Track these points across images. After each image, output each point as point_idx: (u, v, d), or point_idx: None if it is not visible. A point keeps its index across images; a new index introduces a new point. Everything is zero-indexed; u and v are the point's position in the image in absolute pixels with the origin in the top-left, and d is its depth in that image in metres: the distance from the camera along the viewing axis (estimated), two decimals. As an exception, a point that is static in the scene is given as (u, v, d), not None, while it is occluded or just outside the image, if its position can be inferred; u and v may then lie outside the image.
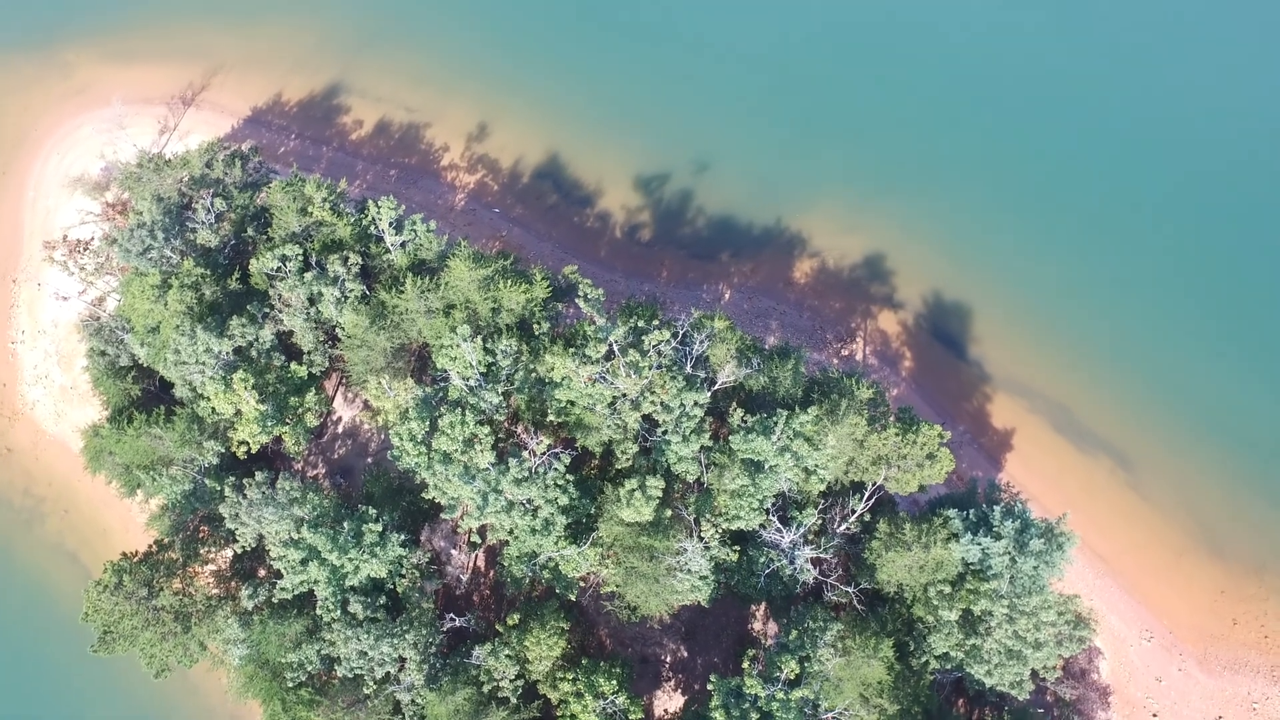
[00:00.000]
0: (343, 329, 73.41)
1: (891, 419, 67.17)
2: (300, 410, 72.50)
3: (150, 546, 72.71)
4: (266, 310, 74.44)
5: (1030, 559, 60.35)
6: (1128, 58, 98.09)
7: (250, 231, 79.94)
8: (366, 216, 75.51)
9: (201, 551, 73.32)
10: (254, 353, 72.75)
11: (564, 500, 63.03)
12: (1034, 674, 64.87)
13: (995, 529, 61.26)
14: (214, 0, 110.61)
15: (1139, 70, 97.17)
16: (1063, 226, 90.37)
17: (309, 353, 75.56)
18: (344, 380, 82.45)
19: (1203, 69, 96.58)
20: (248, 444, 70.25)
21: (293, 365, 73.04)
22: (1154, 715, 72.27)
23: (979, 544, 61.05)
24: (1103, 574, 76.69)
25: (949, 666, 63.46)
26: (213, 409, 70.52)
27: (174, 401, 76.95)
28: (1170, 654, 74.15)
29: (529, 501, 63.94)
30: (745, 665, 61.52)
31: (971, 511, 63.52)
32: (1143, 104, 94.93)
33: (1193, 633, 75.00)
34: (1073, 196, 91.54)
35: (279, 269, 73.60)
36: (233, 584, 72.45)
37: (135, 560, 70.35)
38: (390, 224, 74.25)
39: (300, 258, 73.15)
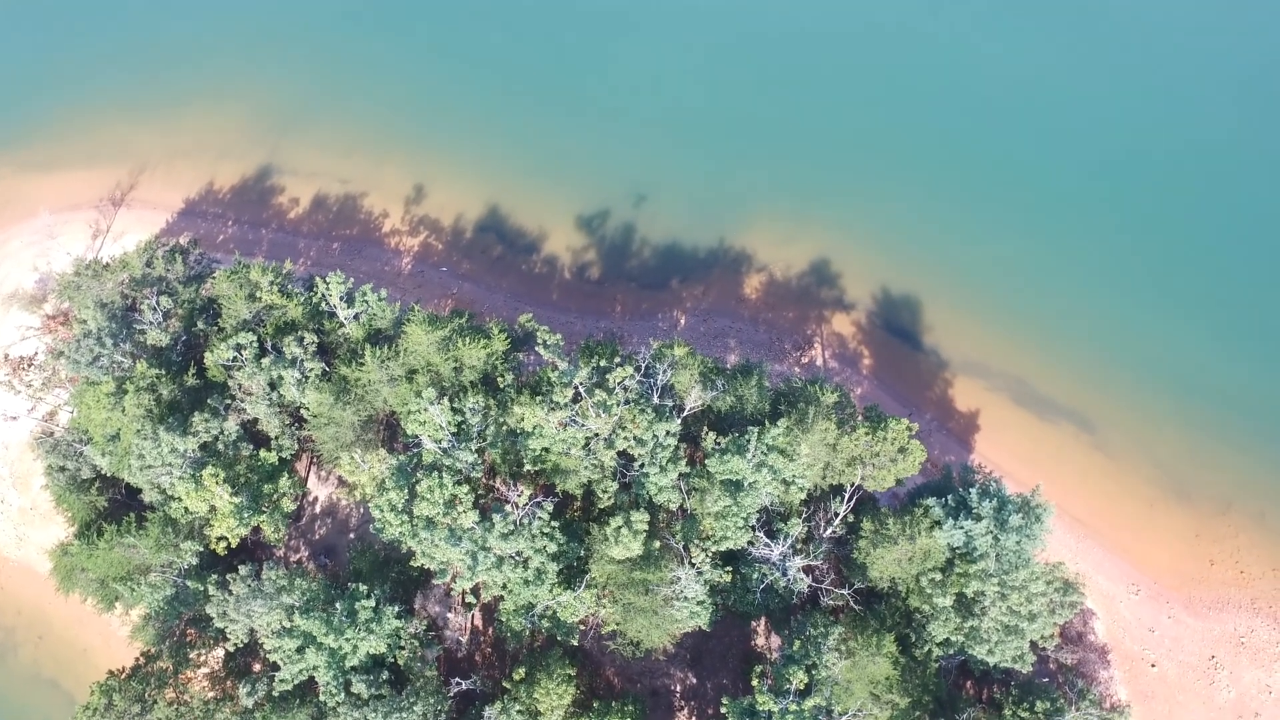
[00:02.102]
0: (307, 409, 73.04)
1: (859, 419, 68.77)
2: (275, 497, 71.75)
3: (137, 659, 70.88)
4: (228, 401, 73.80)
5: (1012, 535, 61.95)
6: (1034, 44, 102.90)
7: (200, 325, 79.35)
8: (316, 294, 75.62)
9: (192, 656, 71.68)
10: (221, 446, 71.97)
11: (552, 548, 63.22)
12: (1034, 645, 66.35)
13: (974, 511, 62.82)
14: (130, 98, 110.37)
15: (1045, 55, 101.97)
16: (992, 207, 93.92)
17: (276, 438, 74.95)
18: (315, 460, 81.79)
19: (1106, 46, 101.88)
20: (227, 539, 69.26)
21: (262, 453, 72.39)
22: (1153, 665, 74.19)
23: (961, 528, 62.52)
24: (1083, 537, 78.82)
25: (951, 651, 64.53)
26: (185, 509, 69.48)
27: (144, 507, 75.57)
28: (1158, 603, 76.35)
29: (518, 554, 64.00)
30: (755, 682, 61.98)
31: (950, 497, 65.01)
32: (1054, 84, 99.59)
33: (1175, 579, 77.34)
34: (997, 177, 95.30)
35: (235, 358, 73.14)
36: (229, 683, 70.90)
37: (123, 677, 68.50)
38: (341, 298, 74.40)
39: (255, 344, 72.79)
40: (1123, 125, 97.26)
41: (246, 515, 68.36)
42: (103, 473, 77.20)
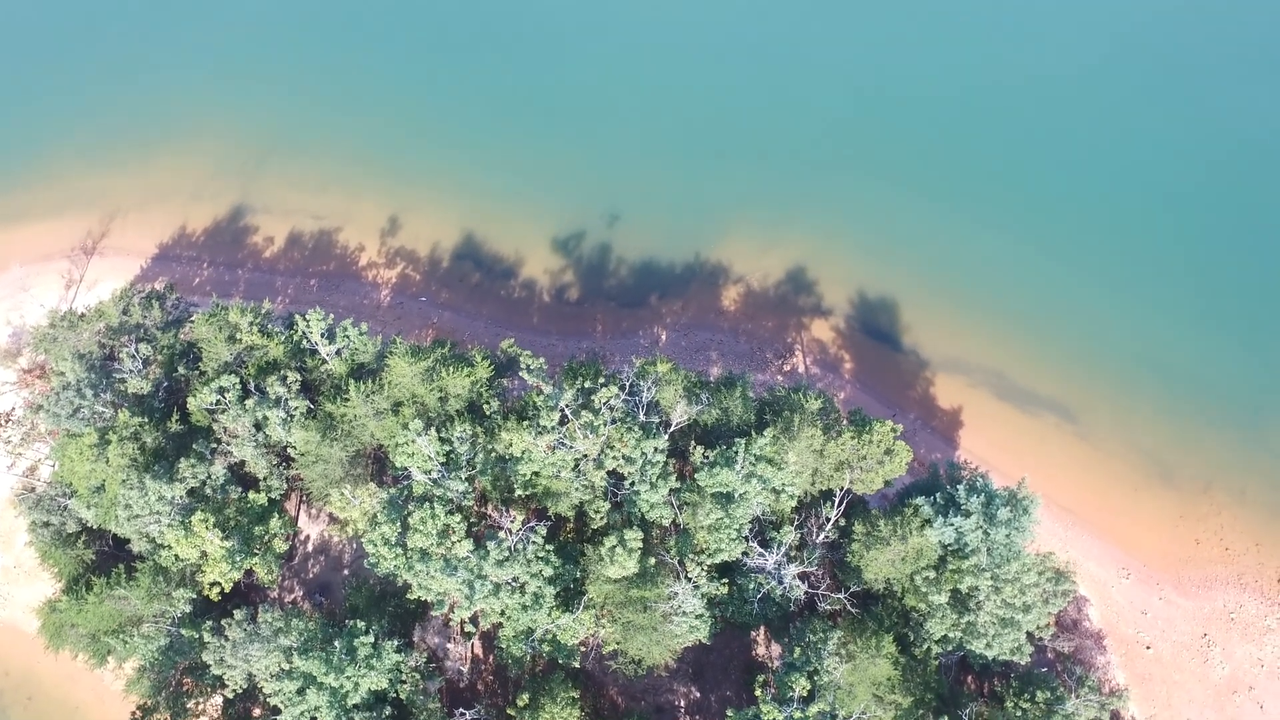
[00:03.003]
0: (294, 448, 72.78)
1: (844, 423, 69.52)
2: (267, 538, 71.35)
3: (134, 713, 69.98)
4: (213, 445, 73.41)
5: (1001, 528, 62.78)
6: (994, 45, 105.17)
7: (181, 370, 78.92)
8: (296, 332, 75.54)
9: (190, 705, 70.91)
10: (209, 490, 71.52)
11: (548, 571, 63.29)
12: (1030, 636, 67.00)
13: (963, 507, 63.62)
14: (97, 145, 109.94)
15: (1006, 55, 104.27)
16: (962, 206, 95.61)
17: (265, 478, 74.59)
18: (305, 498, 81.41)
19: (1065, 43, 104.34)
20: (220, 584, 68.68)
21: (250, 494, 71.98)
22: (1148, 647, 75.18)
23: (951, 524, 63.29)
24: (1071, 525, 79.91)
25: (950, 648, 65.13)
26: (176, 556, 68.81)
27: (133, 557, 74.79)
28: (1149, 586, 77.46)
29: (515, 580, 64.01)
30: (758, 693, 62.22)
31: (938, 495, 65.84)
32: (1016, 83, 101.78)
33: (1164, 561, 78.55)
34: (965, 177, 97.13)
35: (218, 402, 72.83)
36: (229, 730, 70.24)
37: (122, 730, 67.65)
38: (322, 334, 74.37)
39: (238, 386, 72.54)
40: (1085, 120, 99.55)
41: (239, 559, 67.90)
42: (88, 525, 76.39)
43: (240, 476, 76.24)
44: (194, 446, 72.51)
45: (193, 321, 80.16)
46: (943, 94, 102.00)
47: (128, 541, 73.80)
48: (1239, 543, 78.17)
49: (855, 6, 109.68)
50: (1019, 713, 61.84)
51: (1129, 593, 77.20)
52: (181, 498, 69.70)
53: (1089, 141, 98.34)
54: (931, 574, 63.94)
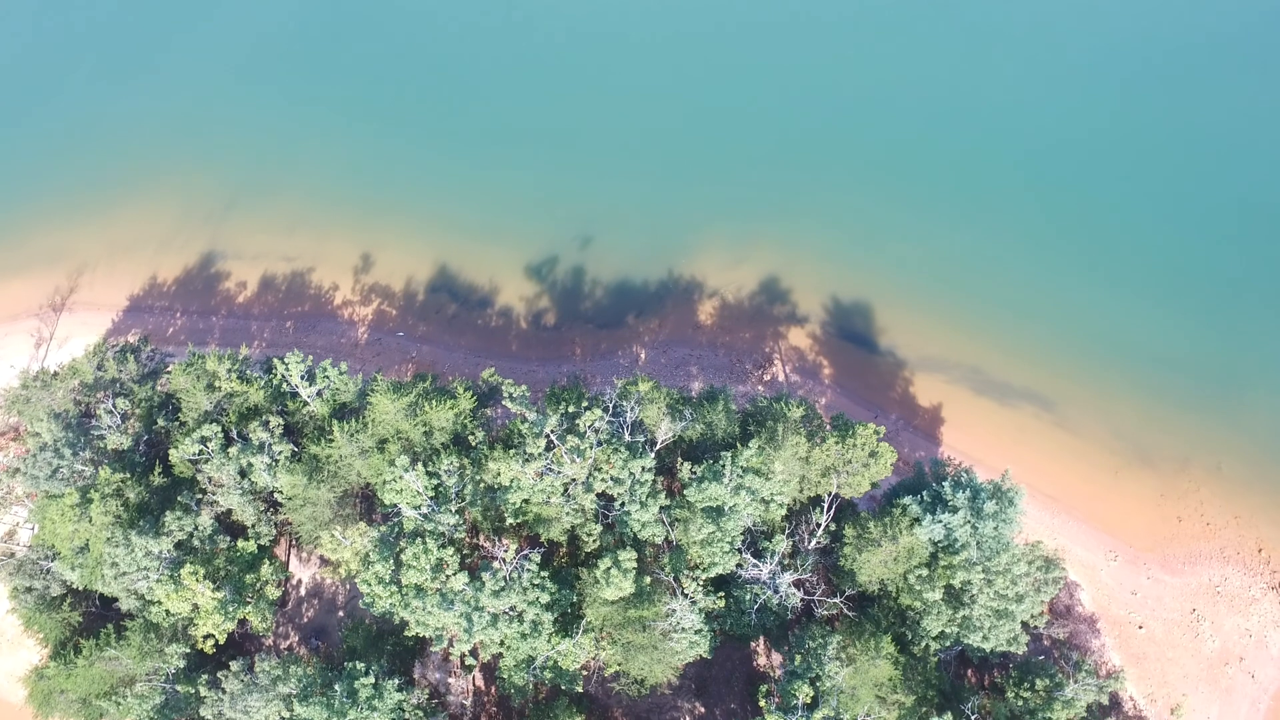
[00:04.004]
0: (281, 493, 72.35)
1: (828, 429, 70.37)
2: (259, 586, 70.62)
3: (134, 773, 68.81)
4: (199, 496, 72.79)
5: (988, 521, 63.75)
6: (947, 49, 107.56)
7: (161, 422, 78.23)
8: (276, 375, 75.27)
9: (190, 761, 69.85)
10: (196, 542, 70.78)
11: (545, 598, 63.29)
12: (1025, 626, 68.04)
13: (950, 503, 64.56)
14: (59, 200, 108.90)
15: (959, 57, 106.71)
16: (926, 206, 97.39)
17: (253, 526, 74.03)
18: (294, 542, 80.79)
19: (1016, 42, 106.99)
20: (214, 636, 67.89)
21: (239, 543, 71.30)
22: (1140, 627, 76.39)
23: (940, 521, 64.13)
24: (1057, 513, 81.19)
25: (948, 643, 65.83)
26: (167, 611, 67.99)
27: (121, 616, 73.75)
28: (1136, 566, 78.82)
29: (512, 609, 63.95)
30: (762, 703, 62.50)
31: (925, 493, 66.73)
32: (970, 82, 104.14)
33: (1148, 540, 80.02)
34: (927, 177, 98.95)
35: (201, 452, 72.29)
36: (232, 784, 69.11)
37: (120, 795, 66.47)
38: (301, 377, 74.18)
39: (220, 435, 72.04)
40: (1039, 111, 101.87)
41: (231, 609, 67.20)
42: (73, 587, 75.17)
43: (228, 525, 75.60)
44: (179, 498, 71.84)
45: (169, 372, 79.58)
46: (896, 98, 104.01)
47: (115, 600, 72.80)
48: (1219, 517, 79.85)
49: (807, 18, 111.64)
50: (1020, 702, 62.62)
51: (1118, 574, 78.48)
52: (169, 551, 68.96)
53: (1045, 133, 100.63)
54: (924, 572, 64.71)
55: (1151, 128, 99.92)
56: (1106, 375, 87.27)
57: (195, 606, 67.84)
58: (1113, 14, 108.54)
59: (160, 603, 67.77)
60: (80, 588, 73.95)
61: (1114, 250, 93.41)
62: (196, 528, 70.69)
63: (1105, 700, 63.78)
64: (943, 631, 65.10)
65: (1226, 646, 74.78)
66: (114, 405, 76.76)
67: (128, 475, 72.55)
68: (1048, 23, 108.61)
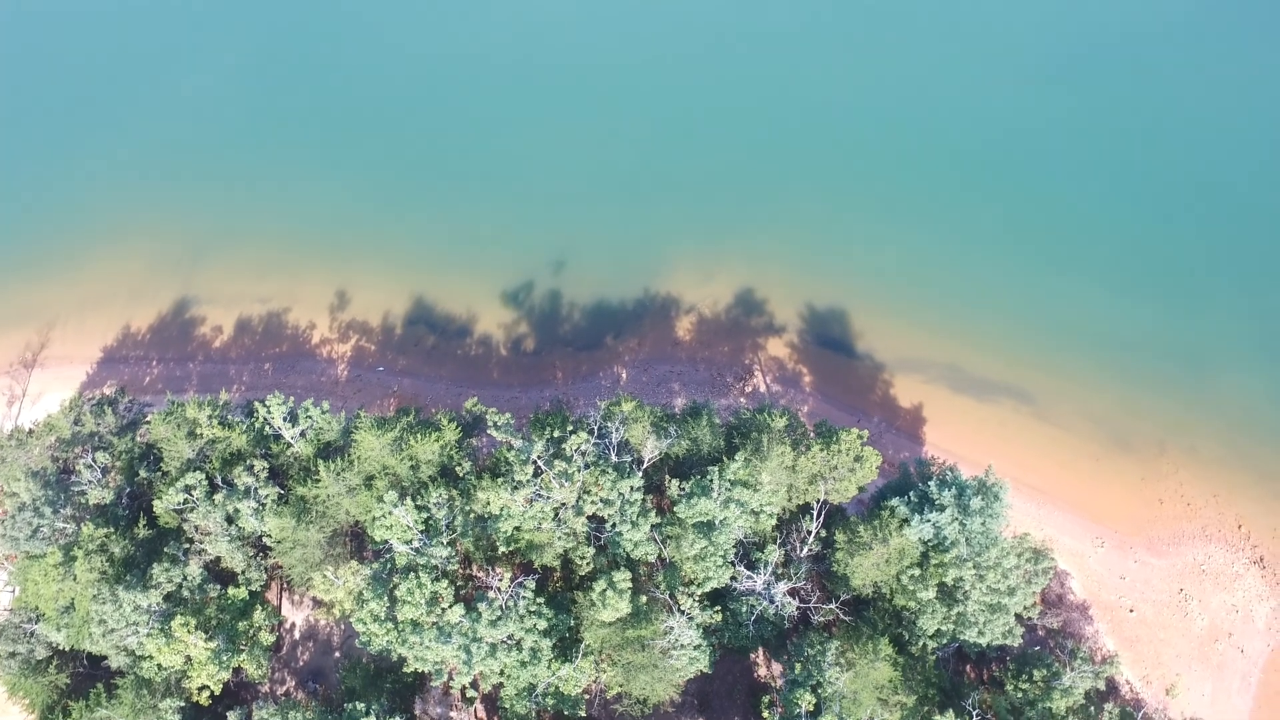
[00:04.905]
0: (270, 536, 71.78)
1: (812, 436, 71.04)
2: (252, 632, 69.88)
3: (134, 833, 67.41)
4: (186, 545, 71.99)
5: (976, 517, 64.53)
6: (890, 52, 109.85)
7: (143, 473, 77.35)
8: (258, 419, 74.80)
9: (192, 817, 68.63)
10: (186, 592, 69.93)
11: (542, 624, 63.19)
12: (1019, 618, 68.78)
13: (937, 502, 65.32)
14: (25, 255, 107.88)
15: (904, 59, 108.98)
16: (891, 207, 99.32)
17: (243, 572, 73.28)
18: (286, 585, 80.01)
19: (957, 43, 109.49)
20: (208, 687, 66.97)
21: (230, 590, 70.60)
22: (1131, 610, 77.47)
23: (928, 520, 64.86)
24: (1042, 504, 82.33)
25: (945, 641, 66.39)
26: (159, 666, 66.95)
27: (111, 674, 72.47)
28: (1123, 551, 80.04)
29: (510, 638, 63.75)
30: (765, 714, 62.69)
31: (911, 494, 67.42)
32: (919, 84, 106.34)
33: (1133, 525, 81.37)
34: (889, 181, 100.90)
35: (186, 500, 71.57)
36: (236, 837, 67.98)
37: None
38: (284, 418, 73.80)
39: (204, 482, 71.39)
40: (994, 114, 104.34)
41: (225, 658, 66.39)
42: (60, 648, 73.79)
43: (217, 573, 74.76)
44: (165, 549, 71.01)
45: (149, 422, 78.82)
46: (850, 106, 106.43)
47: (104, 659, 71.60)
48: (1198, 497, 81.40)
49: (759, 36, 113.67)
50: (1020, 694, 63.25)
51: (1105, 560, 79.63)
52: (158, 604, 68.06)
53: (1000, 132, 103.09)
54: (916, 571, 65.34)
55: (1102, 121, 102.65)
56: (1080, 365, 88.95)
57: (188, 658, 66.89)
58: (1061, 11, 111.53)
59: (152, 657, 66.78)
60: (67, 648, 72.65)
61: (1076, 242, 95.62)
62: (185, 578, 69.87)
63: (1102, 685, 64.62)
64: (939, 630, 65.68)
65: (1215, 623, 76.02)
66: (93, 459, 75.87)
67: (112, 530, 71.62)
68: (997, 25, 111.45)
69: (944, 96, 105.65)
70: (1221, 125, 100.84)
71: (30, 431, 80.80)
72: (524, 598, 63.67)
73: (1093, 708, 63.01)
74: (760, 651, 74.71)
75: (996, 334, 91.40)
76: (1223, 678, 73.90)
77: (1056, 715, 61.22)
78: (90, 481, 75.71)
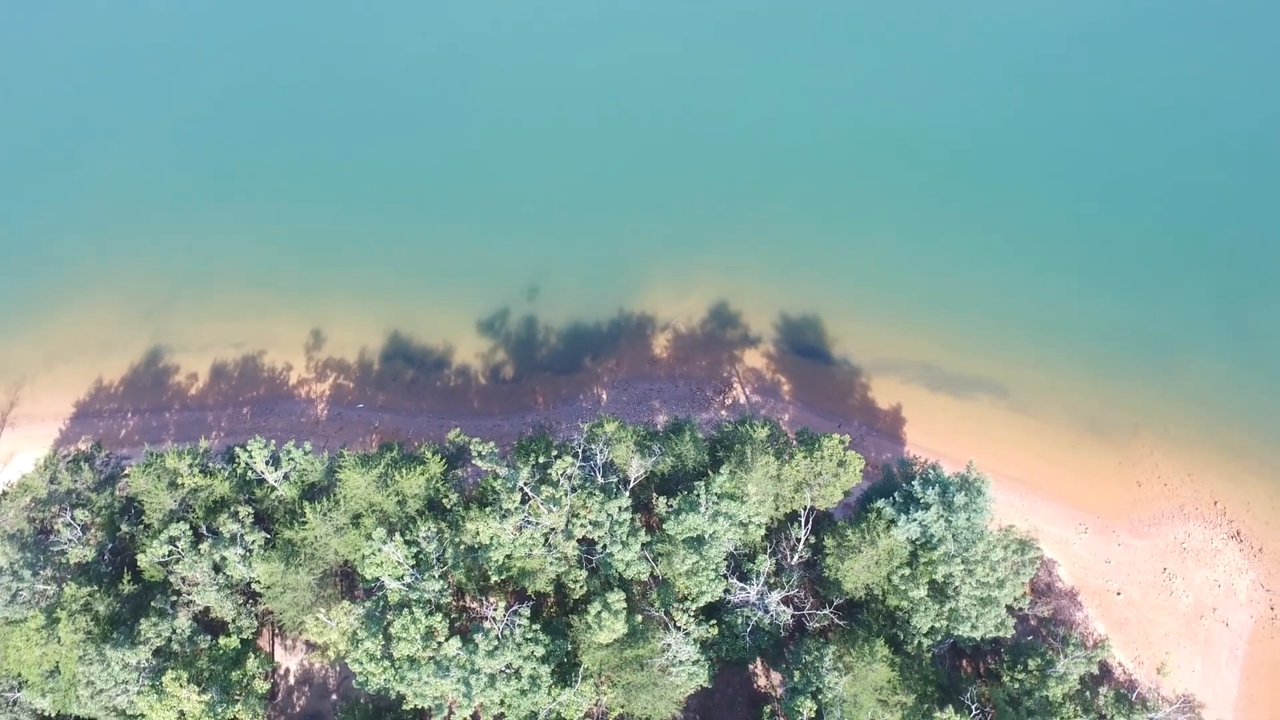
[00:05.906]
0: (259, 582, 70.98)
1: (794, 444, 71.80)
2: (246, 681, 68.90)
3: None
4: (173, 598, 70.94)
5: (961, 513, 65.54)
6: (849, 59, 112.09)
7: (125, 527, 76.22)
8: (239, 464, 74.09)
9: None
10: (175, 646, 68.85)
11: (540, 650, 63.02)
12: (1010, 609, 69.71)
13: (921, 501, 66.28)
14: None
15: (863, 63, 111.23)
16: (857, 213, 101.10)
17: (233, 620, 72.36)
18: (278, 631, 79.08)
19: (911, 47, 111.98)
20: (204, 741, 65.92)
21: (221, 640, 69.55)
22: (1118, 593, 78.80)
23: (914, 520, 65.76)
24: (1025, 495, 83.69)
25: (939, 638, 67.13)
26: (151, 724, 65.89)
27: (102, 736, 71.07)
28: (1106, 535, 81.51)
29: (508, 667, 63.48)
30: (768, 724, 62.92)
31: (896, 494, 68.38)
32: (879, 88, 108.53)
33: (1113, 509, 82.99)
34: (854, 185, 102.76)
35: (171, 552, 70.65)
36: None
37: None
38: (266, 462, 73.17)
39: (189, 532, 70.51)
40: (952, 114, 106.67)
41: (220, 710, 65.37)
42: (46, 715, 72.21)
43: (207, 623, 73.72)
44: (152, 604, 69.93)
45: (127, 476, 77.68)
46: (812, 116, 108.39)
47: (92, 720, 70.15)
48: (1174, 476, 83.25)
49: (719, 50, 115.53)
50: (1016, 685, 64.08)
51: (1090, 545, 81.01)
52: (148, 660, 66.97)
53: (958, 131, 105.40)
54: (906, 571, 66.13)
55: (1063, 117, 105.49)
56: (1053, 356, 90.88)
57: (181, 713, 65.81)
58: (1020, 11, 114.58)
59: (144, 715, 65.58)
60: (53, 714, 71.13)
61: (1042, 237, 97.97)
62: (174, 631, 68.85)
63: (1095, 669, 65.63)
64: (932, 627, 66.41)
65: (1199, 599, 77.54)
66: (72, 517, 74.72)
67: (95, 588, 70.41)
68: (958, 27, 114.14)
69: (905, 98, 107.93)
70: (1182, 119, 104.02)
71: (4, 493, 79.37)
72: (520, 625, 63.52)
73: (1088, 692, 63.97)
74: (758, 662, 74.97)
75: (969, 331, 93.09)
76: (1211, 652, 75.32)
77: (1053, 702, 62.08)
78: (70, 540, 74.47)
